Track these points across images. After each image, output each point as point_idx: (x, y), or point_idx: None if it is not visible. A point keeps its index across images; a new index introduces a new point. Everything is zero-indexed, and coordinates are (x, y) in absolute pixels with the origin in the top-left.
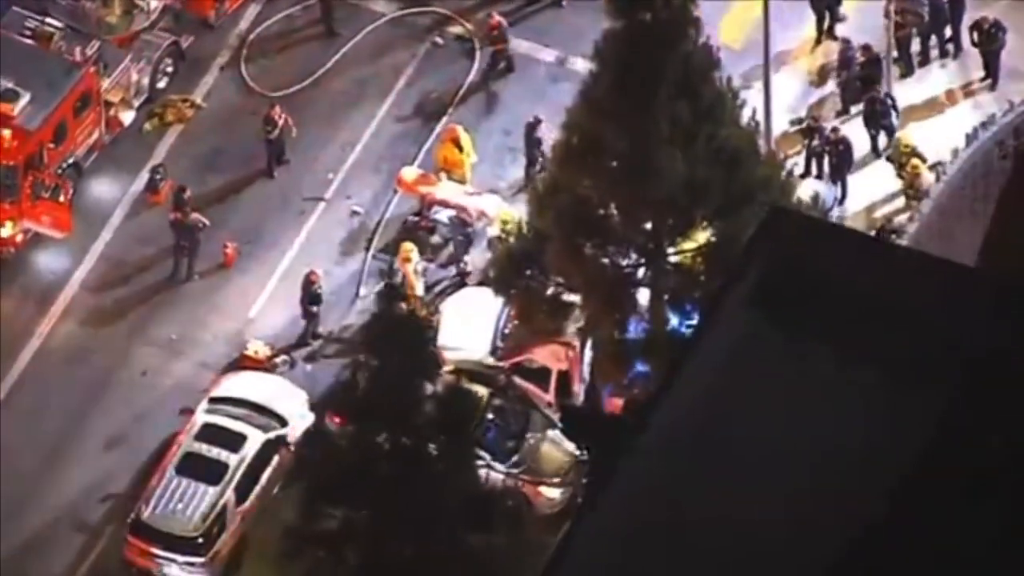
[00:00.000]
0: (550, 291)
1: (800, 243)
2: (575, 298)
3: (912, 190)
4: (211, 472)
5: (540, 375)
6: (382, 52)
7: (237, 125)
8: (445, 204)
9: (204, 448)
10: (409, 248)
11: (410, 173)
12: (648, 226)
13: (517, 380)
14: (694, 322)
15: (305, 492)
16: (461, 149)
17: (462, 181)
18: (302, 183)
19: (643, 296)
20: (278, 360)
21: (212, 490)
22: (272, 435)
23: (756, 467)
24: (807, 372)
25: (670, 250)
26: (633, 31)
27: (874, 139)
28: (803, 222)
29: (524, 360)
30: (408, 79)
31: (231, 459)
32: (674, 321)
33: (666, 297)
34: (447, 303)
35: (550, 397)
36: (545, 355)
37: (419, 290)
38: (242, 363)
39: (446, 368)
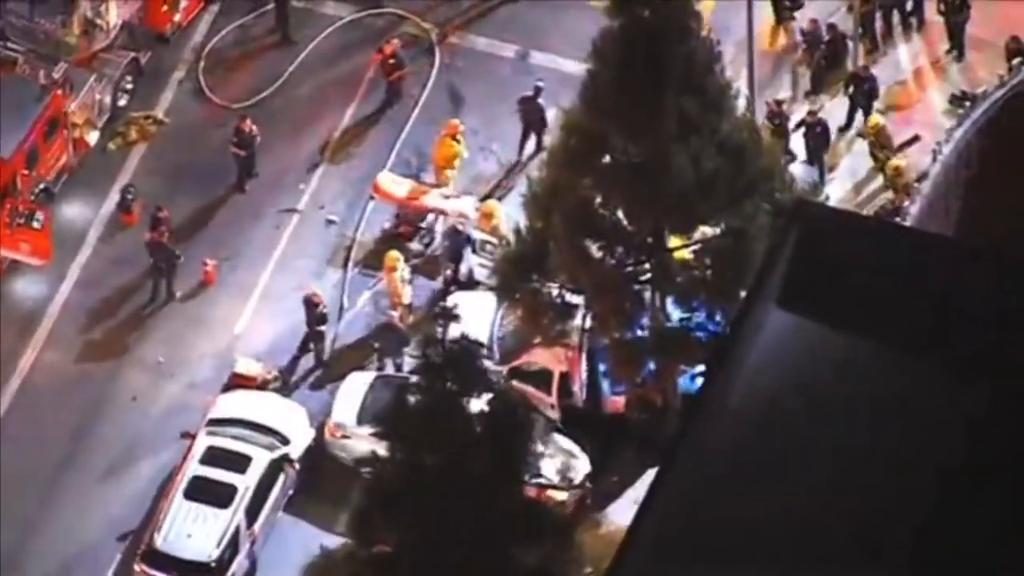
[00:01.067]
0: (555, 294)
1: (827, 235)
2: (578, 300)
3: (896, 184)
4: (220, 495)
5: (540, 377)
6: (341, 56)
7: (202, 139)
8: (423, 209)
9: (211, 471)
10: (395, 257)
11: (386, 179)
12: (654, 224)
13: (517, 383)
14: (701, 319)
15: (357, 517)
16: (458, 143)
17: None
18: (274, 195)
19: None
20: (270, 377)
21: (223, 513)
22: (276, 454)
23: (804, 463)
24: (847, 366)
25: (675, 247)
26: (634, 28)
27: (854, 115)
28: (828, 214)
29: (523, 363)
30: (370, 82)
31: (239, 481)
32: (682, 318)
33: (674, 295)
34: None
35: (553, 399)
36: (546, 357)
37: (406, 299)
38: (234, 382)
39: None
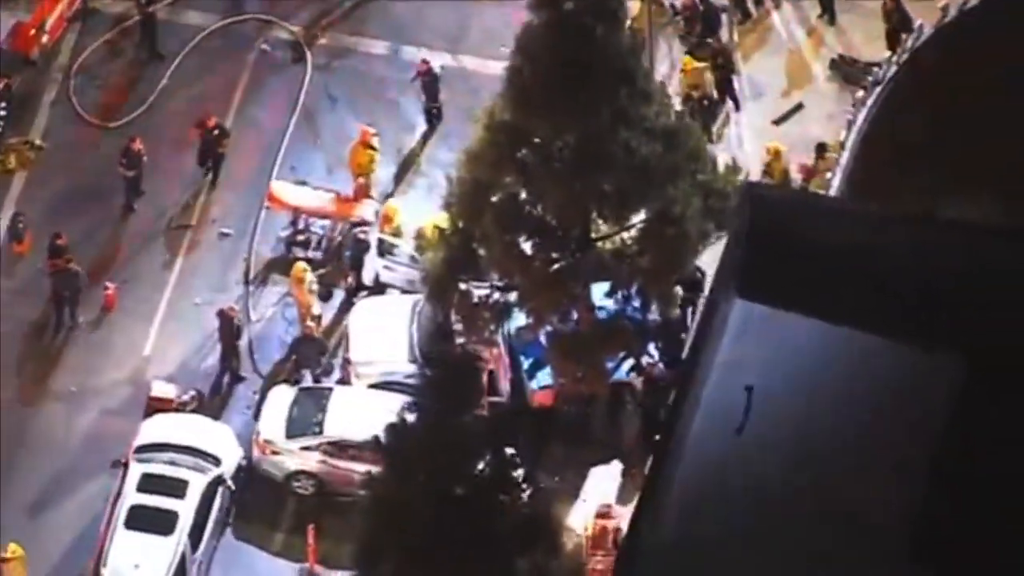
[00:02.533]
0: (487, 294)
1: (781, 218)
2: (512, 297)
3: (772, 169)
4: (162, 523)
5: None
6: (212, 66)
7: (80, 161)
8: (321, 215)
9: (149, 499)
10: (302, 268)
11: (280, 187)
12: (583, 216)
13: None
14: (636, 307)
15: (363, 537)
16: (374, 149)
17: (368, 185)
18: (164, 213)
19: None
20: (187, 398)
21: (167, 541)
22: (211, 476)
23: (787, 445)
24: (817, 350)
25: (606, 235)
26: (560, 21)
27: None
28: (779, 196)
29: None
30: (245, 90)
31: (179, 507)
32: (617, 308)
33: (608, 285)
34: (351, 317)
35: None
36: None
37: (316, 310)
38: (152, 406)
39: (366, 383)
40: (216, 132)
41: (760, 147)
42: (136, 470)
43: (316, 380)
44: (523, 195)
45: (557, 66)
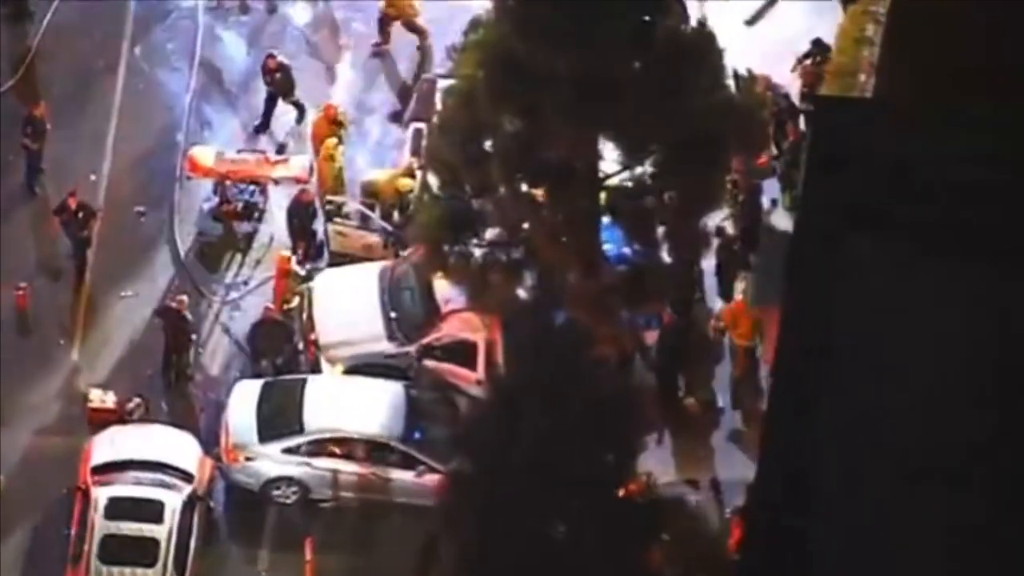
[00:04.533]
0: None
1: (866, 131)
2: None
3: None
4: (143, 552)
5: (458, 352)
6: (90, 24)
7: None
8: (250, 179)
9: (123, 526)
10: (287, 258)
11: (202, 153)
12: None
13: (430, 364)
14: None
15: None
16: (340, 125)
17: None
18: (65, 193)
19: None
20: (132, 405)
21: (151, 572)
22: (185, 493)
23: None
24: (909, 270)
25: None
26: None
27: None
28: (851, 105)
29: (435, 339)
30: (129, 48)
31: (157, 532)
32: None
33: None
34: (313, 295)
35: (479, 374)
36: (463, 326)
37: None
38: (95, 418)
39: (339, 369)
40: (80, 214)
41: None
42: (100, 495)
43: (279, 371)
44: (529, 134)
45: None
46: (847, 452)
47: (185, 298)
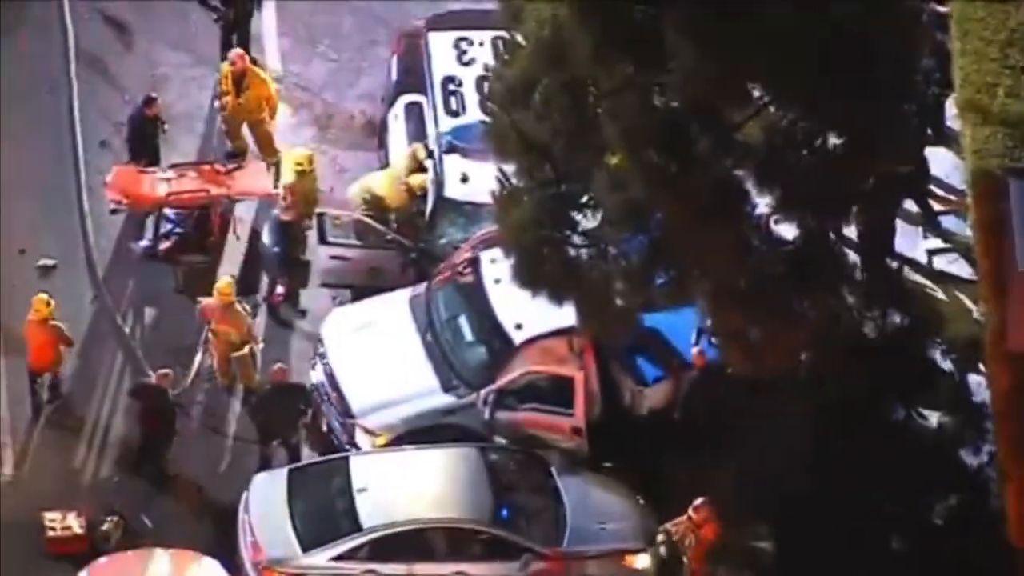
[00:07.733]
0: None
1: None
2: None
3: None
4: None
5: (545, 393)
6: None
7: None
8: (200, 203)
9: None
10: (228, 284)
11: (126, 174)
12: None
13: (508, 416)
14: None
15: None
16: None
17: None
18: None
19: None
20: (105, 526)
21: None
22: None
23: None
24: None
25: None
26: None
27: None
28: None
29: (509, 381)
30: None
31: None
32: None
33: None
34: (325, 348)
35: (576, 420)
36: (544, 358)
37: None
38: (57, 551)
39: (380, 440)
40: None
41: None
42: None
43: (291, 448)
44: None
45: None
46: None
47: (169, 372)
